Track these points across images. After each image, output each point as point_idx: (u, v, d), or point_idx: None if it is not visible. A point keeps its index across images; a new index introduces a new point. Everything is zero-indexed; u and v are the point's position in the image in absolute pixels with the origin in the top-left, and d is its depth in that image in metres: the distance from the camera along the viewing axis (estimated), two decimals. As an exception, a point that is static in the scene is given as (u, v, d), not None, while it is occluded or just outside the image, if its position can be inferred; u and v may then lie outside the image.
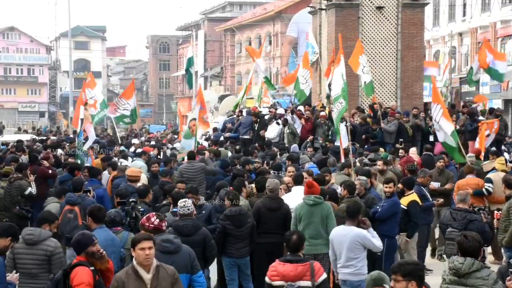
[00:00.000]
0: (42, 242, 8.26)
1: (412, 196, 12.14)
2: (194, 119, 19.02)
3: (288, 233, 8.31)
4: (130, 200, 10.44)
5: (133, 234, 9.14)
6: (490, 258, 12.15)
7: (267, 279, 7.89)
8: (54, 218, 9.10)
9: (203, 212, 11.06)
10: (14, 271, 7.85)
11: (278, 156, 17.72)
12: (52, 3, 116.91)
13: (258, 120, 23.90)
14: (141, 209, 10.18)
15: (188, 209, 9.53)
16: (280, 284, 7.72)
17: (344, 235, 9.37)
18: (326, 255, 10.59)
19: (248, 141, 22.83)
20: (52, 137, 29.80)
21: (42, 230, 8.49)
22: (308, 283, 7.67)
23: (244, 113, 25.97)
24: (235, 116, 26.45)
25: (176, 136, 30.08)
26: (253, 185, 12.05)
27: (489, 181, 13.95)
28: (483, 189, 13.86)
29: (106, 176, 15.52)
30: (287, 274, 7.71)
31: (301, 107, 24.60)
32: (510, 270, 6.89)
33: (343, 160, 16.24)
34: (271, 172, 14.32)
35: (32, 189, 13.95)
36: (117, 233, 8.98)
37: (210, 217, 11.12)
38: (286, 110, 24.57)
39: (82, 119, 18.08)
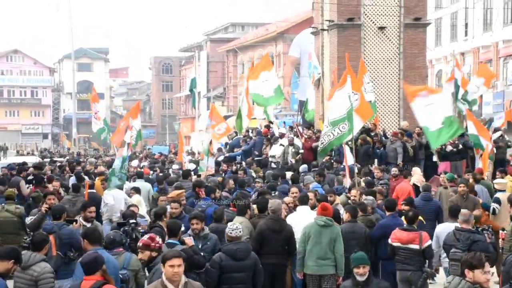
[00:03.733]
0: (30, 267, 8.18)
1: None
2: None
3: (406, 211, 11.26)
4: (131, 221, 10.26)
5: (135, 255, 9.09)
6: (495, 278, 12.05)
7: (389, 241, 10.63)
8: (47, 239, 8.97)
9: (208, 243, 10.12)
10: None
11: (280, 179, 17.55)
12: (55, 24, 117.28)
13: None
14: (141, 231, 10.06)
15: (240, 231, 9.47)
16: (397, 245, 10.51)
17: (451, 229, 10.75)
18: (332, 276, 10.68)
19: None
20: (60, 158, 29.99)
21: (32, 254, 8.38)
22: (417, 247, 10.37)
23: (251, 134, 26.17)
24: (241, 137, 26.51)
25: (175, 157, 30.21)
26: (255, 206, 12.00)
27: (497, 201, 13.82)
28: (491, 208, 13.80)
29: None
30: (403, 238, 10.46)
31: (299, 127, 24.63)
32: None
33: (348, 180, 16.19)
34: (272, 193, 14.32)
35: (29, 218, 13.13)
36: (119, 255, 8.79)
37: (215, 249, 10.06)
38: (291, 128, 24.59)
39: (128, 143, 18.11)
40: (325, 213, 10.80)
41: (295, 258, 10.97)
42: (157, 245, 8.43)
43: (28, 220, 12.74)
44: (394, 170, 18.09)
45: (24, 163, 23.41)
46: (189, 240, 9.32)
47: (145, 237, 8.68)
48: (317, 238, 10.62)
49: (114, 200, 15.24)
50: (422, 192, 14.67)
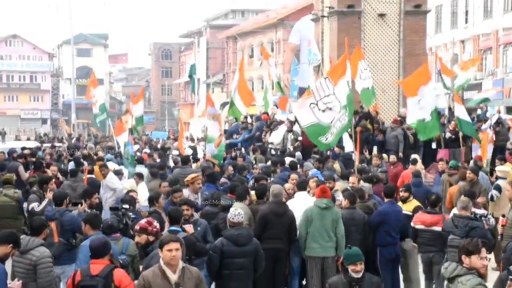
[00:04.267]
0: (29, 251, 8.20)
1: (415, 201, 12.24)
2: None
3: (430, 194, 11.82)
4: (122, 206, 10.16)
5: (133, 240, 9.12)
6: (492, 264, 12.09)
7: (412, 224, 11.16)
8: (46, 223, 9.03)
9: (198, 228, 9.98)
10: (16, 279, 7.84)
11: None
12: (54, 10, 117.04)
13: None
14: (132, 216, 10.06)
15: (242, 217, 9.46)
16: (420, 227, 11.01)
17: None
18: (333, 258, 10.74)
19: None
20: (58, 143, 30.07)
21: (31, 238, 8.39)
22: (439, 229, 10.80)
23: (249, 120, 26.19)
24: (239, 123, 26.51)
25: (173, 143, 30.31)
26: (253, 193, 12.02)
27: (497, 188, 13.79)
28: (489, 194, 13.84)
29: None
30: (426, 220, 10.95)
31: None
32: (510, 277, 6.88)
33: (356, 166, 16.21)
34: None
35: (36, 204, 12.98)
36: (118, 240, 8.81)
37: (206, 234, 10.12)
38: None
39: (130, 129, 18.08)
40: (324, 195, 10.83)
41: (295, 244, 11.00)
42: (154, 229, 8.52)
43: (36, 206, 12.70)
44: (392, 158, 18.14)
45: (24, 148, 23.41)
46: (190, 228, 9.30)
47: (143, 221, 8.77)
48: (320, 220, 10.64)
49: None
50: (413, 178, 15.11)
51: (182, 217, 9.49)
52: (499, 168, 14.87)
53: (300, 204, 11.30)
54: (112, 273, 7.30)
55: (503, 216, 10.93)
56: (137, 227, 8.70)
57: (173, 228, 9.12)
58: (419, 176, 15.42)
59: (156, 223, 8.62)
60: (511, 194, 11.24)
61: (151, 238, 8.48)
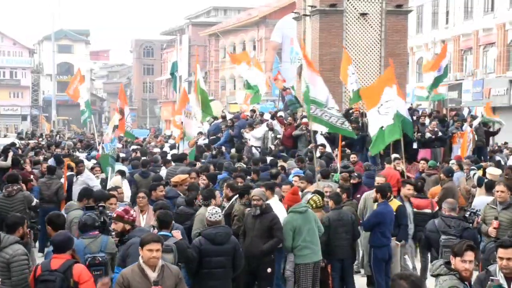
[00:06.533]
0: (3, 249, 8.03)
1: (396, 201, 12.24)
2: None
3: (415, 181, 13.43)
4: (99, 204, 9.94)
5: (111, 238, 9.00)
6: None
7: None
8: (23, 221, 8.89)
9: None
10: (-5, 277, 7.76)
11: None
12: (35, 6, 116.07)
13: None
14: (109, 214, 9.97)
15: (220, 216, 9.41)
16: (414, 211, 12.36)
17: (486, 201, 11.64)
18: (320, 262, 10.70)
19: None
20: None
21: (5, 236, 8.21)
22: (429, 211, 12.64)
23: (228, 116, 26.21)
24: (219, 121, 26.44)
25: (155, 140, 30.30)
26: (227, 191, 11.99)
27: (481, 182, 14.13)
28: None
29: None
30: (420, 204, 12.60)
31: (281, 113, 24.57)
32: (491, 277, 6.91)
33: (338, 165, 16.23)
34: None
35: (36, 200, 13.19)
36: (96, 238, 8.56)
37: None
38: (273, 115, 24.55)
39: (116, 126, 18.09)
40: (298, 198, 10.72)
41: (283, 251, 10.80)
42: (130, 218, 8.65)
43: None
44: (352, 156, 18.20)
45: (13, 144, 23.32)
46: (177, 234, 9.05)
47: (120, 208, 8.92)
48: (306, 225, 10.43)
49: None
50: (365, 171, 16.06)
51: (172, 221, 9.23)
52: (490, 171, 14.80)
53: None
54: (72, 268, 7.25)
55: (496, 218, 10.87)
56: (114, 214, 8.79)
57: (162, 233, 8.77)
58: (371, 169, 16.38)
59: (133, 212, 8.72)
60: (506, 196, 11.10)
61: (127, 227, 8.61)
